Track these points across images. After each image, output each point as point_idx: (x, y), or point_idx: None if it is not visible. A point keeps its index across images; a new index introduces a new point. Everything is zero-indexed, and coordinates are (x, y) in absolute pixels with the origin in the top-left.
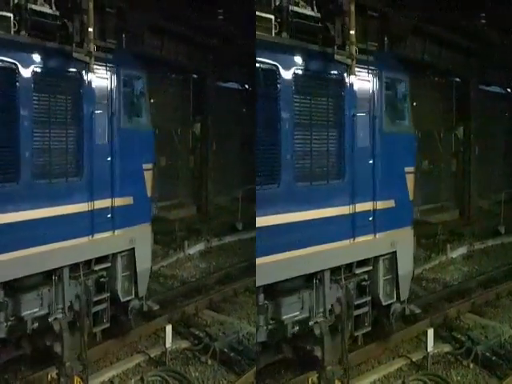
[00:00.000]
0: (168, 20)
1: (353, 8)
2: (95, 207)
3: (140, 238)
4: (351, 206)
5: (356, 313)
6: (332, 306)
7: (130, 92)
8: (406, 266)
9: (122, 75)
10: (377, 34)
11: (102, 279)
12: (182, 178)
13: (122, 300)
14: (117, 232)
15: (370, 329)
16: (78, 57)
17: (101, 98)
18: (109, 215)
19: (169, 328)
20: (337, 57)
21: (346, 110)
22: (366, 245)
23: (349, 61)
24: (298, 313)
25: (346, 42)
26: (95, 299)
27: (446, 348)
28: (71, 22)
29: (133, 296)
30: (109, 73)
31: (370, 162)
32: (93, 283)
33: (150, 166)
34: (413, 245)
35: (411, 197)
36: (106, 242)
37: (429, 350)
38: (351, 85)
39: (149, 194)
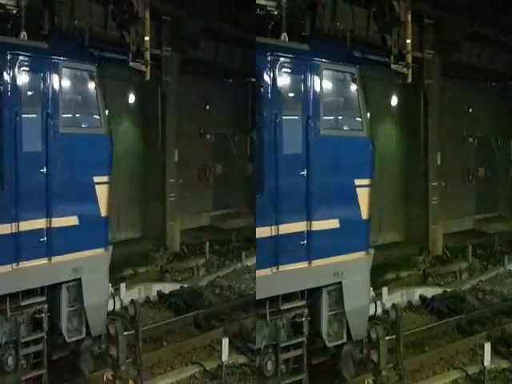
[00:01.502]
0: (224, 23)
1: (409, 18)
2: (22, 229)
3: (89, 266)
4: (273, 228)
5: (287, 356)
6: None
7: (75, 89)
8: (356, 300)
9: (63, 68)
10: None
11: (37, 315)
12: (238, 186)
13: (67, 340)
14: (54, 259)
15: (303, 376)
16: (134, 66)
17: (31, 96)
18: (42, 239)
19: (225, 341)
20: (393, 66)
21: (264, 110)
22: (294, 275)
23: (405, 70)
24: None
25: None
26: (28, 339)
27: (504, 364)
28: (128, 32)
29: (83, 335)
30: (43, 66)
31: (303, 173)
32: (27, 320)
33: (104, 178)
34: (368, 274)
35: (365, 215)
36: (36, 271)
37: (485, 365)
38: (274, 80)
39: (103, 213)
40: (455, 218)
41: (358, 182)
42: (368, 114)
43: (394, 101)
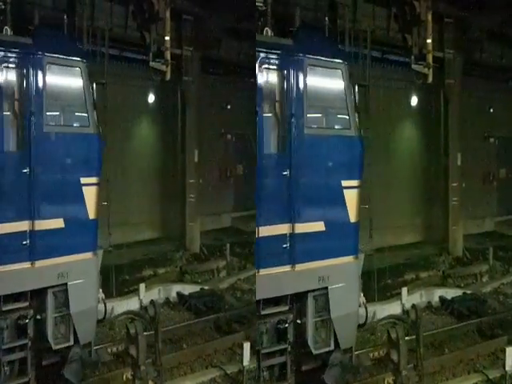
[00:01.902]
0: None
1: (430, 17)
2: (2, 231)
3: (76, 271)
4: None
5: (270, 362)
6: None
7: (61, 86)
8: (343, 307)
9: (48, 65)
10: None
11: (21, 321)
12: None
13: (53, 347)
14: (38, 263)
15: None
16: (154, 65)
17: (13, 94)
18: (25, 242)
19: (247, 345)
20: (414, 66)
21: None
22: (276, 279)
23: (425, 70)
24: None
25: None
26: (11, 345)
27: None
28: (148, 32)
29: (70, 343)
30: (26, 62)
31: (285, 173)
32: (11, 325)
33: (93, 180)
34: (357, 279)
35: (353, 218)
36: (19, 275)
37: (507, 369)
38: (255, 76)
39: (91, 215)
40: (476, 220)
41: (345, 183)
42: (356, 113)
43: (414, 101)
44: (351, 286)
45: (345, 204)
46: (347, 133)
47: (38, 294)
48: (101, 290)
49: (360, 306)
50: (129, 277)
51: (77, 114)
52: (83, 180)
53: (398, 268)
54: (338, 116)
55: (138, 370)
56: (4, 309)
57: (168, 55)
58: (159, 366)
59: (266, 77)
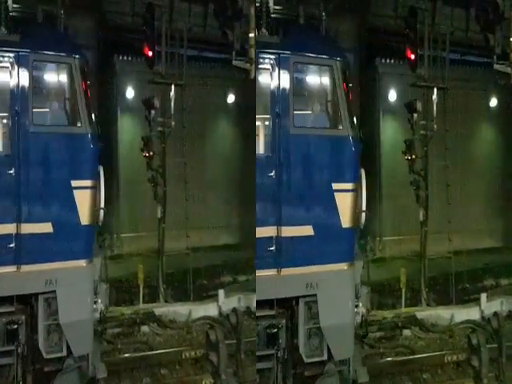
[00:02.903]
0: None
1: None
2: None
3: (66, 279)
4: None
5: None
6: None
7: (49, 84)
8: (335, 316)
9: (34, 62)
10: None
11: (10, 327)
12: None
13: (45, 356)
14: (24, 268)
15: None
16: (237, 64)
17: None
18: (11, 245)
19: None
20: (496, 66)
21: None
22: (259, 282)
23: (508, 69)
24: None
25: None
26: None
27: None
28: (231, 29)
29: (63, 353)
30: (11, 60)
31: (271, 174)
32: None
33: (86, 183)
34: (352, 287)
35: (345, 223)
36: (3, 279)
37: None
38: None
39: (84, 221)
40: None
41: (336, 186)
42: (347, 111)
43: (494, 102)
44: (344, 295)
45: (336, 208)
46: (338, 132)
47: (33, 301)
48: (100, 301)
49: (362, 316)
50: (207, 281)
51: (67, 113)
52: (74, 183)
53: (477, 273)
54: (329, 115)
55: (219, 378)
56: None
57: (253, 53)
58: (241, 378)
59: (259, 76)
